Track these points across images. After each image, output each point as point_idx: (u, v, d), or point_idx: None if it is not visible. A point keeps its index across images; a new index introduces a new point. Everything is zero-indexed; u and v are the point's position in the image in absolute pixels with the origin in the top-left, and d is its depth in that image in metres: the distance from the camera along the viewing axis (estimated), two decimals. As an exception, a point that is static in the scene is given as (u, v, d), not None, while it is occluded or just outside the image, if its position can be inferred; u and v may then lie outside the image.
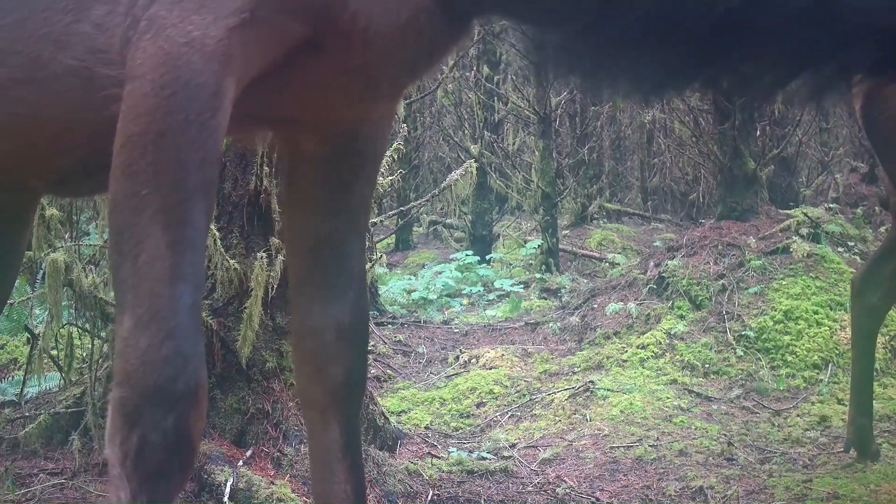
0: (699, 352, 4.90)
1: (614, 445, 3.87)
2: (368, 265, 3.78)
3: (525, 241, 10.20)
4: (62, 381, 3.78)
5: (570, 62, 1.65)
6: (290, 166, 1.91)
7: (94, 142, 1.63)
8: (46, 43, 1.61)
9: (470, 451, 3.82)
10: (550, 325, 5.82)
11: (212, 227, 3.34)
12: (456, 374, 5.06)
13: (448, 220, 12.26)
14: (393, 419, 3.96)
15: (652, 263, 5.82)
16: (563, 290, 7.48)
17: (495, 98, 9.82)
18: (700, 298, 5.28)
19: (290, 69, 1.58)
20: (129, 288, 1.38)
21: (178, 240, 1.37)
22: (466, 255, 9.41)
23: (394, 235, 11.36)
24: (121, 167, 1.40)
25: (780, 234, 5.73)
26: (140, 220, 1.37)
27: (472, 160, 6.08)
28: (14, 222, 2.22)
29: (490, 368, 5.04)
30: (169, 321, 1.35)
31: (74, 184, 1.91)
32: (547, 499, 3.35)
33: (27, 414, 3.64)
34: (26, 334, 4.18)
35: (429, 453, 3.79)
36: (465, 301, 7.82)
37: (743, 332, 4.95)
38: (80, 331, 3.69)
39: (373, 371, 5.16)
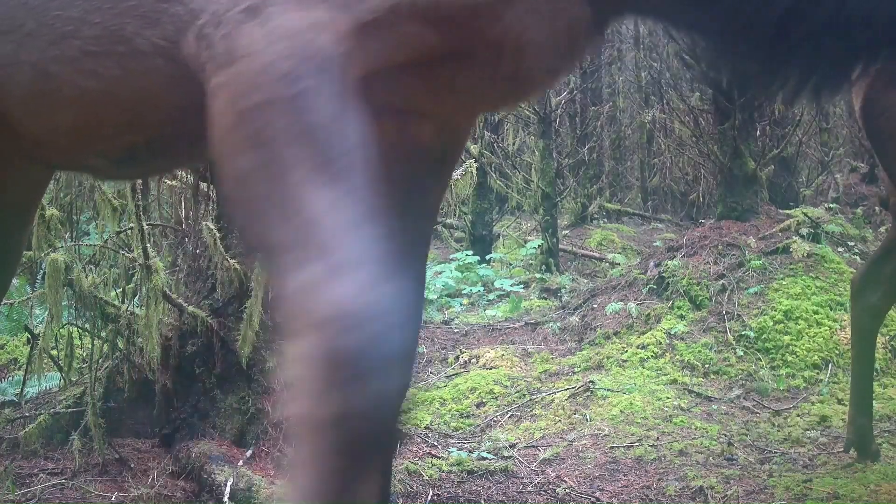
0: (699, 352, 4.89)
1: (614, 445, 3.87)
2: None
3: (525, 241, 10.20)
4: (62, 381, 3.78)
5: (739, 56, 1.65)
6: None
7: (169, 121, 1.61)
8: (131, 18, 1.56)
9: (470, 451, 3.82)
10: (550, 325, 5.82)
11: (212, 227, 3.34)
12: (456, 373, 5.06)
13: (448, 220, 12.26)
14: (393, 419, 3.95)
15: (652, 263, 5.82)
16: (563, 290, 7.48)
17: (495, 98, 9.80)
18: (700, 298, 5.28)
19: (438, 70, 1.56)
20: (296, 244, 1.31)
21: (345, 193, 1.32)
22: (466, 255, 9.40)
23: (394, 235, 11.33)
24: (247, 138, 1.36)
25: (780, 234, 5.73)
26: (292, 180, 1.32)
27: (472, 160, 6.09)
28: (23, 210, 2.20)
29: (490, 368, 5.04)
30: (361, 273, 1.28)
31: (137, 163, 1.85)
32: (547, 499, 3.35)
33: (27, 414, 3.64)
34: (26, 334, 4.18)
35: (429, 453, 3.79)
36: (465, 301, 7.82)
37: (743, 332, 4.95)
38: (80, 331, 3.70)
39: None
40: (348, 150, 1.35)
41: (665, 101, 8.66)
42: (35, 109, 1.73)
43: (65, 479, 3.16)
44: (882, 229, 6.95)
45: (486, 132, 9.85)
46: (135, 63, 1.57)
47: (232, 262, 3.31)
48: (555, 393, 4.57)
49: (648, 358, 4.93)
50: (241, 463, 3.12)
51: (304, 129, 1.33)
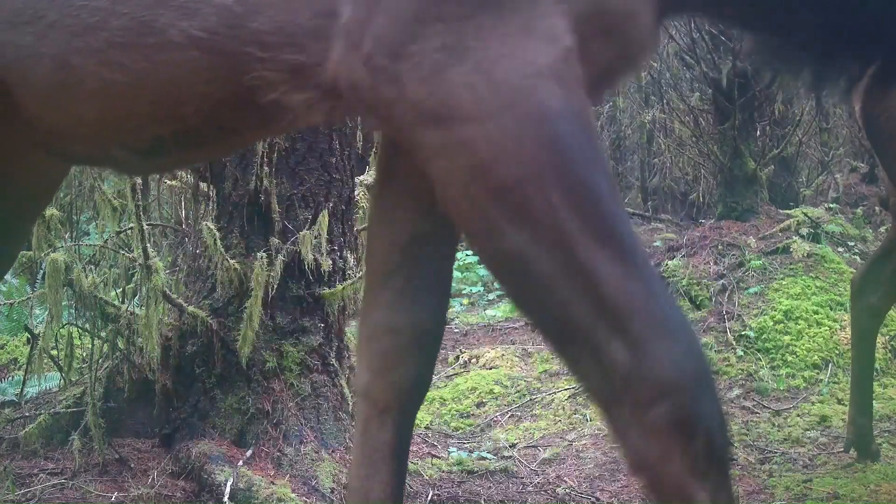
0: (699, 352, 4.89)
1: (614, 445, 3.86)
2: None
3: (525, 241, 10.19)
4: (62, 381, 3.78)
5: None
6: (395, 154, 1.82)
7: (200, 113, 1.57)
8: (164, 9, 1.50)
9: (470, 451, 3.82)
10: (550, 325, 5.82)
11: (212, 226, 3.34)
12: (456, 373, 5.06)
13: (448, 220, 12.24)
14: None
15: (652, 263, 5.82)
16: (563, 290, 7.47)
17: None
18: (700, 298, 5.28)
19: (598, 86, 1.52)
20: (606, 314, 1.25)
21: (628, 252, 1.26)
22: (466, 254, 9.41)
23: (394, 235, 11.34)
24: (510, 217, 1.25)
25: (780, 234, 5.73)
26: (580, 254, 1.24)
27: (472, 160, 6.08)
28: (36, 202, 2.16)
29: (490, 368, 5.04)
30: (677, 328, 1.26)
31: (163, 156, 1.79)
32: (547, 499, 3.35)
33: (27, 414, 3.64)
34: (26, 334, 4.18)
35: (429, 453, 3.79)
36: (465, 301, 7.82)
37: (743, 332, 4.95)
38: (80, 331, 3.70)
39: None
40: (617, 207, 1.28)
41: (665, 101, 8.66)
42: (55, 102, 1.69)
43: (65, 479, 3.16)
44: (882, 229, 6.95)
45: (486, 132, 9.84)
46: (166, 55, 1.53)
47: (232, 262, 3.31)
48: (555, 393, 4.57)
49: (648, 358, 4.93)
50: (241, 463, 3.12)
51: (579, 199, 1.25)
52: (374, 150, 4.45)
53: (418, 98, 1.28)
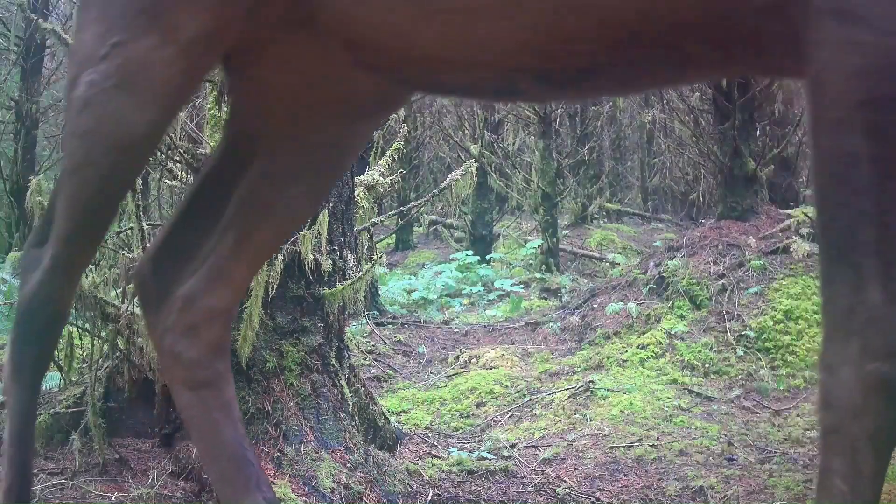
0: (699, 352, 4.89)
1: (614, 445, 3.87)
2: (368, 265, 3.78)
3: (525, 241, 10.21)
4: (62, 381, 3.78)
5: None
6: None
7: (650, 31, 1.41)
8: None
9: (470, 451, 3.82)
10: (550, 325, 5.82)
11: (212, 227, 3.33)
12: (456, 373, 5.06)
13: (448, 220, 12.26)
14: (393, 419, 3.96)
15: (652, 263, 5.82)
16: (563, 290, 7.48)
17: (495, 98, 9.80)
18: (700, 298, 5.28)
19: None
20: (886, 252, 1.26)
21: None
22: (466, 255, 9.41)
23: (394, 235, 11.37)
24: (867, 126, 1.25)
25: (780, 234, 5.73)
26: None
27: (473, 160, 6.08)
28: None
29: (490, 368, 5.04)
30: None
31: (586, 83, 1.59)
32: (547, 499, 3.35)
33: (27, 414, 3.64)
34: (26, 334, 4.17)
35: (429, 453, 3.79)
36: (465, 301, 7.83)
37: (743, 332, 4.95)
38: (80, 331, 3.69)
39: (373, 371, 5.16)
40: None
41: (665, 101, 8.65)
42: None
43: (65, 479, 3.16)
44: (882, 229, 6.93)
45: (486, 132, 9.86)
46: None
47: (232, 262, 3.31)
48: (555, 393, 4.57)
49: (648, 358, 4.93)
50: (241, 463, 3.12)
51: None
52: (373, 149, 4.45)
53: None
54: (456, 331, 6.18)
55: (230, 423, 1.86)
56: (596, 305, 5.73)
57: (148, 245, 3.24)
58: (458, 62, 1.57)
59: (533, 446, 3.93)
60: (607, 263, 8.72)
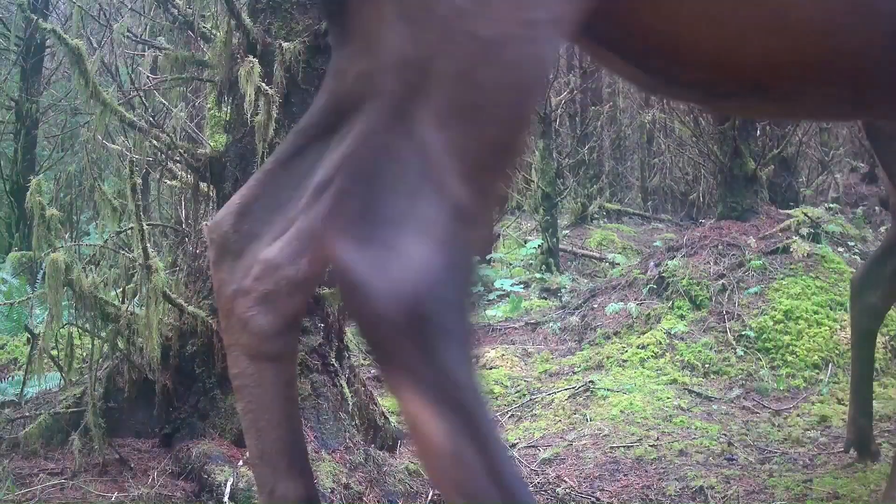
0: (699, 352, 4.90)
1: (614, 445, 3.87)
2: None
3: (525, 241, 10.20)
4: (62, 381, 3.78)
5: None
6: None
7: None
8: None
9: (470, 451, 3.81)
10: (550, 325, 5.82)
11: (212, 227, 3.33)
12: (456, 374, 5.06)
13: (448, 220, 12.23)
14: (393, 419, 3.96)
15: (652, 263, 5.82)
16: (563, 290, 7.48)
17: (495, 98, 9.78)
18: (700, 298, 5.28)
19: None
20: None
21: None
22: (466, 255, 9.38)
23: (394, 235, 11.33)
24: None
25: (780, 234, 5.73)
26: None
27: (472, 160, 6.07)
28: None
29: (490, 368, 5.04)
30: None
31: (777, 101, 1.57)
32: (547, 499, 3.35)
33: (27, 414, 3.64)
34: (26, 334, 4.18)
35: (429, 453, 3.79)
36: (465, 301, 7.81)
37: (743, 332, 4.95)
38: (80, 331, 3.69)
39: (373, 371, 5.16)
40: None
41: (665, 101, 8.65)
42: None
43: (65, 479, 3.16)
44: (882, 229, 6.95)
45: (486, 132, 9.84)
46: None
47: (232, 262, 3.30)
48: (555, 393, 4.57)
49: (648, 358, 4.93)
50: (241, 463, 3.12)
51: None
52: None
53: None
54: (456, 331, 6.17)
55: (288, 403, 1.71)
56: (596, 305, 5.73)
57: (148, 245, 3.23)
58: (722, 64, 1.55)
59: (533, 446, 3.93)
60: (607, 263, 8.72)
